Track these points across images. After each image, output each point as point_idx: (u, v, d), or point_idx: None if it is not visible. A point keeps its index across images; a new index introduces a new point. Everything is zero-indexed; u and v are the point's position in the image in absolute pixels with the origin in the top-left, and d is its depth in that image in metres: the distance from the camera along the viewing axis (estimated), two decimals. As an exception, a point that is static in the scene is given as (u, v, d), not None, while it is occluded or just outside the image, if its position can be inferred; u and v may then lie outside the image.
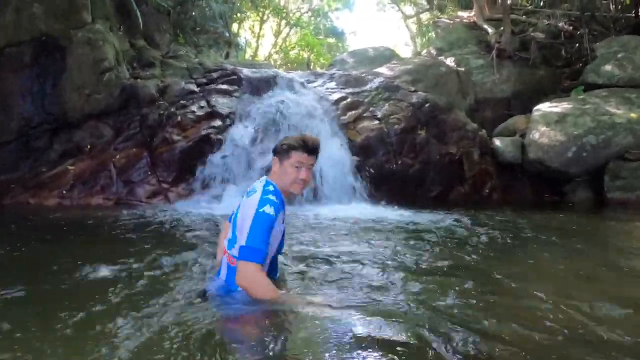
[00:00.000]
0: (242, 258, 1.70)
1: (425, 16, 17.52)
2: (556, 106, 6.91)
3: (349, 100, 6.72)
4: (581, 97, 7.13)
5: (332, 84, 7.41)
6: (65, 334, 1.58)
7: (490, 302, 2.07)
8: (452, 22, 11.38)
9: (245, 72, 7.02)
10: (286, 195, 1.90)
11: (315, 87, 7.37)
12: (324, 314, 1.72)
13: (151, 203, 4.88)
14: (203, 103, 6.08)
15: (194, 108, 5.90)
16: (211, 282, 1.98)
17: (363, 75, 7.81)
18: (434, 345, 1.49)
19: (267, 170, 2.10)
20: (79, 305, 1.81)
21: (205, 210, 4.66)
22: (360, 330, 1.60)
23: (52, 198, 4.69)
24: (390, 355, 1.41)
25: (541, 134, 6.48)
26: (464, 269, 2.67)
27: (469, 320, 1.76)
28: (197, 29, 12.02)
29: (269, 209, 1.73)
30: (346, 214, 4.50)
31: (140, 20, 7.82)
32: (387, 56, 10.01)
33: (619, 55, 7.51)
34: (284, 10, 20.00)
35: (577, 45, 9.22)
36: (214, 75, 6.98)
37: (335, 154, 5.64)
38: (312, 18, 21.69)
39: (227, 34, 13.59)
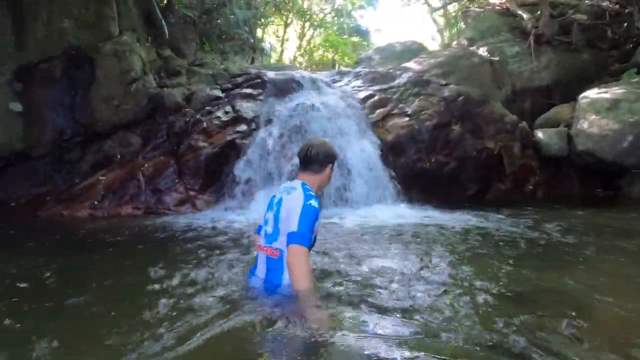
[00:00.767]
0: (294, 242, 1.85)
1: (453, 7, 16.86)
2: (606, 92, 6.31)
3: (376, 97, 6.45)
4: (635, 80, 6.49)
5: (358, 82, 7.16)
6: (109, 344, 1.65)
7: (582, 329, 1.78)
8: (482, 10, 10.81)
9: (270, 74, 6.91)
10: None
11: (341, 86, 7.16)
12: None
13: (179, 211, 4.84)
14: (228, 108, 6.02)
15: (219, 114, 5.85)
16: (251, 279, 2.12)
17: (390, 71, 7.51)
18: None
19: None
20: (118, 317, 1.94)
21: (233, 217, 4.56)
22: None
23: (84, 210, 4.75)
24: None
25: (590, 123, 5.93)
26: (532, 283, 2.36)
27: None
28: (223, 36, 12.19)
29: (314, 203, 1.92)
30: (380, 218, 4.25)
31: (166, 30, 7.93)
32: (414, 50, 9.63)
33: (676, 32, 6.78)
34: (308, 12, 19.92)
35: (624, 24, 8.46)
36: (239, 80, 6.92)
37: (364, 154, 5.39)
38: (336, 18, 21.50)
39: (252, 40, 13.68)
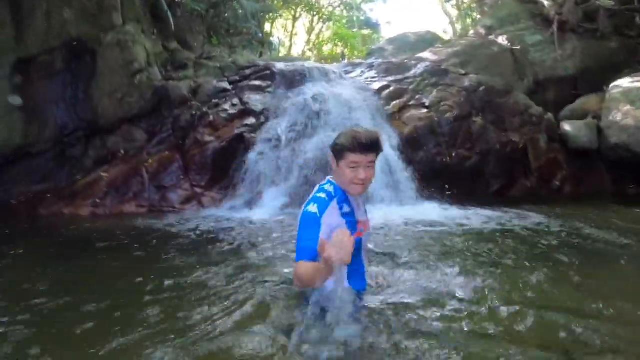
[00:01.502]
0: (296, 258, 1.63)
1: (466, -2, 16.31)
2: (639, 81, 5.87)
3: (392, 88, 6.10)
4: (670, 67, 6.03)
5: (372, 73, 6.82)
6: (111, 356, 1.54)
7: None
8: (500, -3, 10.33)
9: (279, 66, 6.60)
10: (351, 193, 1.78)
11: (353, 77, 6.82)
12: None
13: (185, 209, 4.58)
14: (236, 101, 5.73)
15: (226, 106, 5.57)
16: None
17: (405, 61, 7.15)
18: None
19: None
20: (123, 324, 1.79)
21: (241, 215, 4.28)
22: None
23: (86, 207, 4.51)
24: None
25: (624, 115, 5.50)
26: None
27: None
28: (231, 31, 11.99)
29: (312, 207, 1.67)
30: (402, 216, 3.93)
31: (172, 22, 7.68)
32: (429, 40, 9.23)
33: None
34: (316, 6, 19.55)
35: (654, 10, 7.94)
36: (247, 72, 6.63)
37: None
38: (345, 11, 21.09)
39: (260, 34, 13.46)
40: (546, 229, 3.55)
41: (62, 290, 2.25)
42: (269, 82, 6.23)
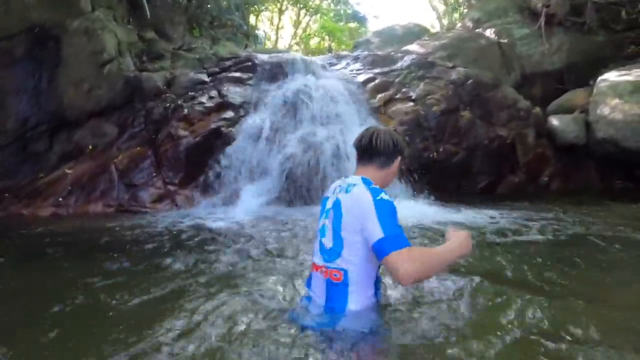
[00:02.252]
0: (391, 249, 1.37)
1: (454, -9, 16.15)
2: (628, 74, 5.78)
3: (377, 81, 5.88)
4: (658, 61, 5.95)
5: (357, 65, 6.58)
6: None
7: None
8: (488, -10, 10.17)
9: (261, 57, 6.31)
10: None
11: (338, 69, 6.57)
12: None
13: (156, 209, 4.28)
14: (214, 93, 5.43)
15: (203, 99, 5.26)
16: (304, 310, 1.64)
17: (391, 53, 6.93)
18: None
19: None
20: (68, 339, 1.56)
21: (217, 215, 4.02)
22: None
23: (47, 207, 4.18)
24: None
25: (612, 108, 5.40)
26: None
27: None
28: (215, 23, 11.63)
29: (386, 196, 1.49)
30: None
31: (147, 10, 7.28)
32: (416, 33, 9.04)
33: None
34: (303, -1, 19.16)
35: (640, 4, 7.89)
36: (227, 63, 6.32)
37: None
38: (332, 4, 20.76)
39: (245, 27, 13.09)
40: (545, 229, 3.39)
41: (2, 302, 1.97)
42: (250, 74, 5.94)
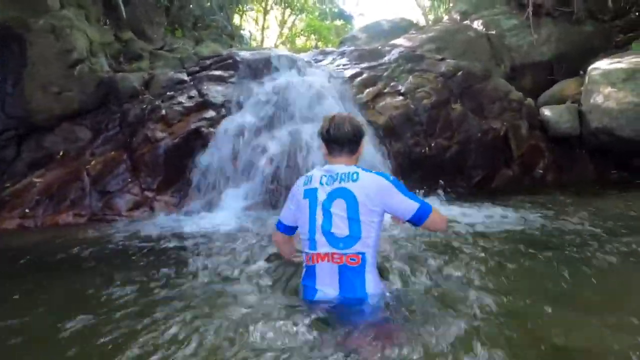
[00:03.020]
0: (429, 211, 1.63)
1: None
2: (619, 62, 5.64)
3: (364, 75, 5.66)
4: (648, 48, 5.85)
5: (344, 60, 6.36)
6: None
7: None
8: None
9: (242, 54, 6.04)
10: None
11: (324, 65, 6.34)
12: None
13: (133, 217, 3.99)
14: (193, 92, 5.15)
15: (182, 99, 4.98)
16: (315, 304, 1.62)
17: (379, 48, 6.73)
18: None
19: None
20: None
21: (198, 220, 3.76)
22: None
23: (12, 219, 3.86)
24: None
25: (605, 97, 5.25)
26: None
27: None
28: (199, 24, 11.37)
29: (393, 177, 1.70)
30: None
31: (122, 9, 6.97)
32: (403, 27, 8.86)
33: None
34: (288, -2, 18.91)
35: (626, -7, 7.83)
36: (208, 62, 6.05)
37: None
38: (317, 3, 20.57)
39: (229, 27, 12.82)
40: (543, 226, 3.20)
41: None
42: (232, 72, 5.66)
